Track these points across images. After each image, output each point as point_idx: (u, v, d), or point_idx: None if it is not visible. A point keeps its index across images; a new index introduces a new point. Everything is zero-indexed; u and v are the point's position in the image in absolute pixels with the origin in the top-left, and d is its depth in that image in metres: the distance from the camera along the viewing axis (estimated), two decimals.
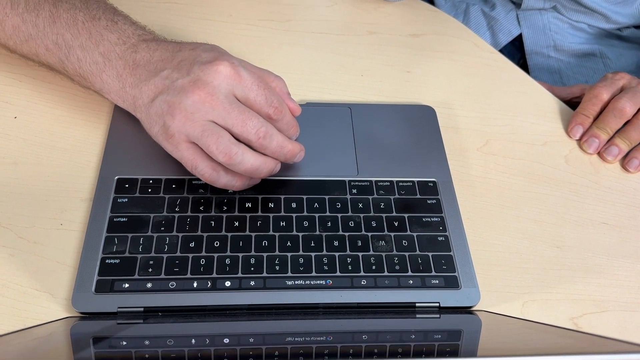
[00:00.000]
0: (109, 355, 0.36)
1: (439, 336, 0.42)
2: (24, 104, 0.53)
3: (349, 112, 0.56)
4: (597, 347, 0.26)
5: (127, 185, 0.48)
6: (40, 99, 0.54)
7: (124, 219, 0.46)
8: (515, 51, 0.83)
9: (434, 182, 0.51)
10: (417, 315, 0.43)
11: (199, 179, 0.48)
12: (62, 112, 0.53)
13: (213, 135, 0.42)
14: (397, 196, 0.50)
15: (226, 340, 0.39)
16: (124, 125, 0.51)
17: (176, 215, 0.46)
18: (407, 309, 0.44)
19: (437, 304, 0.44)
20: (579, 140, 0.58)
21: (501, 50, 0.79)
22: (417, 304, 0.44)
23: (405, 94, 0.60)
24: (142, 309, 0.42)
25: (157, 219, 0.46)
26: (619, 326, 0.45)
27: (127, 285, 0.43)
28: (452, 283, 0.45)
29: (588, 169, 0.56)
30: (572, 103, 0.64)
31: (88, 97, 0.54)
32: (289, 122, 0.46)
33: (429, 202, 0.50)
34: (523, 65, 0.81)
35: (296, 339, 0.39)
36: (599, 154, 0.57)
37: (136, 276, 0.43)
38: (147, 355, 0.36)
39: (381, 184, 0.50)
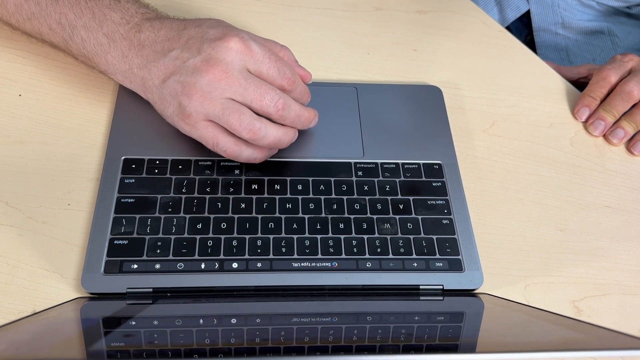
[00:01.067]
0: (119, 335, 0.37)
1: (442, 318, 0.43)
2: (28, 81, 0.53)
3: (355, 93, 0.56)
4: (596, 340, 0.27)
5: (133, 166, 0.48)
6: (45, 77, 0.53)
7: (132, 200, 0.46)
8: (523, 27, 0.82)
9: (439, 164, 0.51)
10: (421, 298, 0.44)
11: (205, 160, 0.49)
12: (67, 90, 0.53)
13: (235, 113, 0.42)
14: (402, 179, 0.50)
15: (234, 321, 0.40)
16: (130, 104, 0.51)
17: (183, 196, 0.47)
18: (411, 291, 0.45)
19: (441, 287, 0.45)
20: (585, 122, 0.58)
21: (508, 27, 0.79)
22: (420, 287, 0.45)
23: (411, 73, 0.60)
24: (151, 290, 0.42)
25: (164, 200, 0.46)
26: (619, 309, 0.46)
27: (135, 266, 0.43)
28: (455, 266, 0.46)
29: (593, 152, 0.56)
30: (579, 83, 0.64)
31: (92, 75, 0.53)
32: (302, 90, 0.47)
33: (434, 184, 0.50)
34: (530, 42, 0.80)
35: (302, 319, 0.40)
36: (604, 136, 0.57)
37: (144, 257, 0.43)
38: (156, 335, 0.37)
39: (387, 166, 0.50)
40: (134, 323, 0.39)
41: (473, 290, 0.45)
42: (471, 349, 0.27)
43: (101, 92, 0.53)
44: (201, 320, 0.40)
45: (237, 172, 0.48)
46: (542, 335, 0.29)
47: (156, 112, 0.46)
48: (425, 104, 0.56)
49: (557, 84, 0.61)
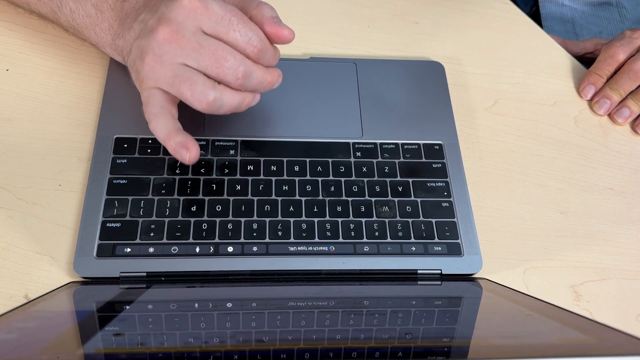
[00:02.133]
0: (114, 320, 0.37)
1: (439, 302, 0.42)
2: (16, 55, 0.51)
3: (354, 68, 0.54)
4: (599, 343, 0.26)
5: (125, 146, 0.46)
6: (33, 50, 0.51)
7: (124, 181, 0.45)
8: None
9: (440, 145, 0.50)
10: (419, 282, 0.44)
11: (198, 139, 0.47)
12: (56, 65, 0.51)
13: (186, 81, 0.37)
14: (402, 159, 0.49)
15: (229, 305, 0.40)
16: (121, 80, 0.49)
17: (177, 177, 0.45)
18: (409, 276, 0.44)
19: (439, 271, 0.44)
20: (590, 100, 0.56)
21: None
22: (419, 271, 0.44)
23: (413, 47, 0.58)
24: (144, 274, 0.42)
25: (158, 182, 0.45)
26: (618, 294, 0.46)
27: (129, 250, 0.42)
28: (454, 250, 0.45)
29: (597, 132, 0.54)
30: (585, 59, 0.62)
31: (83, 48, 0.51)
32: (270, 57, 0.41)
33: (434, 166, 0.49)
34: (535, 13, 0.78)
35: (298, 303, 0.39)
36: (609, 115, 0.55)
37: (138, 240, 0.43)
38: (150, 320, 0.37)
39: (386, 146, 0.49)
40: (127, 307, 0.38)
41: (471, 274, 0.45)
42: (463, 355, 0.26)
43: (92, 67, 0.51)
44: (196, 305, 0.40)
45: (232, 152, 0.47)
46: (540, 335, 0.28)
47: None
48: (427, 80, 0.54)
49: (562, 59, 0.59)
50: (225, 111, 0.40)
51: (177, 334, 0.33)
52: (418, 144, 0.50)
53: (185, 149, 0.40)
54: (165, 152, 0.46)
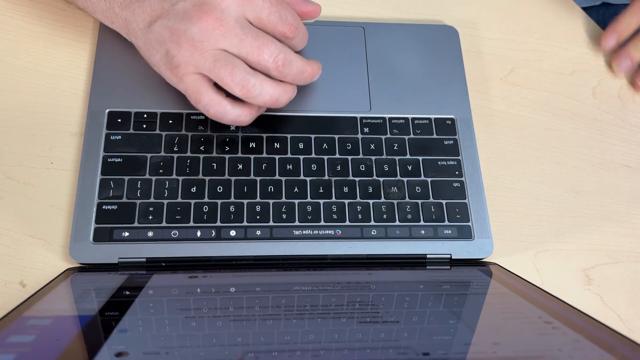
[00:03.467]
0: (115, 309, 0.35)
1: (447, 287, 0.41)
2: None
3: (362, 33, 0.50)
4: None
5: (119, 120, 0.44)
6: (16, 12, 0.47)
7: (119, 160, 0.42)
8: None
9: (452, 119, 0.47)
10: (428, 267, 0.42)
11: (197, 113, 0.45)
12: (42, 29, 0.47)
13: (227, 66, 0.37)
14: (412, 136, 0.46)
15: (232, 290, 0.38)
16: (112, 47, 0.46)
17: (175, 155, 0.43)
18: (418, 261, 0.43)
19: (449, 256, 0.43)
20: (611, 56, 0.52)
21: None
22: (428, 256, 0.43)
23: (425, 9, 0.54)
24: (144, 260, 0.40)
25: (155, 160, 0.43)
26: (630, 278, 0.45)
27: (127, 234, 0.40)
28: (465, 233, 0.43)
29: (615, 104, 0.52)
30: None
31: (70, 10, 0.48)
32: (303, 36, 0.42)
33: (445, 142, 0.46)
34: None
35: (303, 288, 0.38)
36: (630, 82, 0.52)
37: (136, 224, 0.41)
38: (151, 304, 0.35)
39: (395, 121, 0.47)
40: (127, 292, 0.37)
41: (482, 259, 0.43)
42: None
43: (80, 31, 0.48)
44: (198, 289, 0.38)
45: (232, 128, 0.45)
46: (547, 347, 0.27)
47: (141, 57, 0.41)
48: (440, 47, 0.51)
49: (583, 24, 0.55)
50: (264, 100, 0.39)
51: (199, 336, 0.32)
52: (429, 119, 0.47)
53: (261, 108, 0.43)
54: (162, 127, 0.44)
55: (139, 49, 0.41)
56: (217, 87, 0.40)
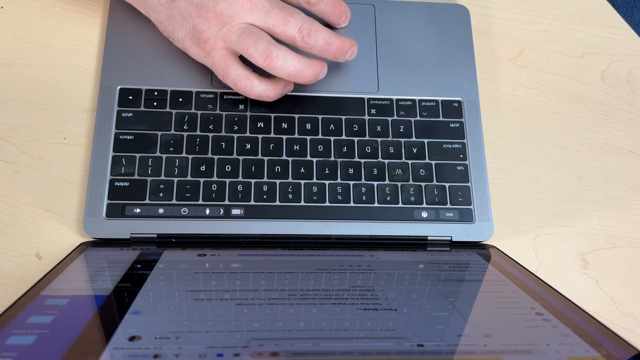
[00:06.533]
0: (128, 289, 0.37)
1: (444, 273, 0.42)
2: None
3: (372, 11, 0.50)
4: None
5: (130, 97, 0.44)
6: None
7: (130, 137, 0.43)
8: None
9: (459, 102, 0.48)
10: (428, 249, 0.44)
11: (207, 92, 0.45)
12: (53, 2, 0.47)
13: (251, 37, 0.38)
14: (418, 118, 0.47)
15: (236, 265, 0.40)
16: (124, 21, 0.46)
17: (185, 134, 0.44)
18: (419, 242, 0.44)
19: (449, 238, 0.44)
20: None
21: None
22: (429, 238, 0.44)
23: None
24: (155, 236, 0.42)
25: (165, 138, 0.44)
26: (626, 263, 0.46)
27: (138, 210, 0.42)
28: (466, 216, 0.44)
29: (624, 88, 0.52)
30: None
31: None
32: (332, 2, 0.43)
33: (451, 125, 0.47)
34: None
35: (306, 270, 0.40)
36: None
37: (147, 201, 0.42)
38: (162, 277, 0.37)
39: (402, 103, 0.47)
40: (139, 266, 0.39)
41: (482, 242, 0.45)
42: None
43: (92, 5, 0.48)
44: (207, 264, 0.40)
45: (241, 107, 0.45)
46: (534, 339, 0.28)
47: (153, 33, 0.42)
48: (450, 27, 0.51)
49: (596, 4, 0.55)
50: (288, 72, 0.40)
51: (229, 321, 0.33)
52: (436, 101, 0.47)
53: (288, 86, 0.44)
54: (172, 105, 0.45)
55: (158, 23, 0.41)
56: (245, 62, 0.41)
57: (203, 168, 0.43)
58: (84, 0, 0.48)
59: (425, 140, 0.46)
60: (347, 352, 0.26)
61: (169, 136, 0.44)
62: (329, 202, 0.44)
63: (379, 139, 0.46)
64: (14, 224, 0.42)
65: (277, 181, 0.44)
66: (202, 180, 0.43)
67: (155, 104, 0.44)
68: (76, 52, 0.46)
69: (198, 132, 0.44)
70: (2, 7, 0.47)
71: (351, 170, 0.45)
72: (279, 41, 0.40)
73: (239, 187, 0.43)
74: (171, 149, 0.43)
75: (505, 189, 0.47)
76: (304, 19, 0.39)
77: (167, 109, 0.44)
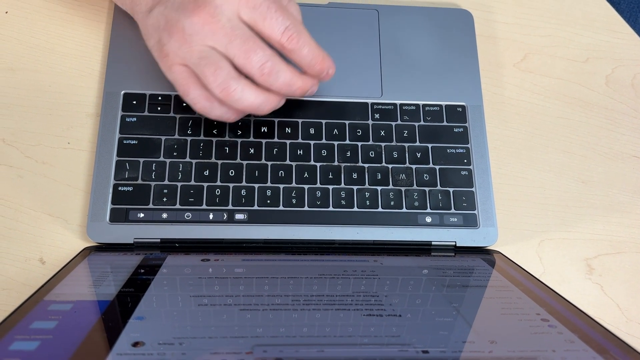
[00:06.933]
0: (131, 295, 0.37)
1: (449, 279, 0.42)
2: None
3: (376, 16, 0.50)
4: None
5: (134, 102, 0.44)
6: None
7: (134, 142, 0.43)
8: None
9: (463, 106, 0.47)
10: (432, 254, 0.43)
11: None
12: (58, 7, 0.48)
13: (211, 65, 0.37)
14: (422, 123, 0.47)
15: (240, 270, 0.40)
16: (127, 28, 0.46)
17: (188, 138, 0.44)
18: (423, 247, 0.44)
19: (454, 244, 0.44)
20: None
21: None
22: (433, 243, 0.44)
23: None
24: (158, 241, 0.42)
25: (169, 143, 0.44)
26: (632, 268, 0.46)
27: (142, 215, 0.42)
28: (470, 221, 0.44)
29: (628, 93, 0.52)
30: None
31: None
32: (309, 54, 0.39)
33: (455, 130, 0.47)
34: None
35: (310, 276, 0.40)
36: None
37: (151, 206, 0.42)
38: (165, 282, 0.37)
39: (406, 108, 0.47)
40: (142, 271, 0.39)
41: (486, 247, 0.44)
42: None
43: (96, 10, 0.48)
44: (210, 269, 0.40)
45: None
46: (538, 346, 0.28)
47: None
48: (454, 32, 0.51)
49: (600, 9, 0.55)
50: (244, 107, 0.38)
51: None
52: (440, 106, 0.47)
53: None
54: (176, 110, 0.45)
55: (140, 29, 0.41)
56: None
57: (207, 173, 0.43)
58: (89, 6, 0.48)
59: (429, 145, 0.46)
60: (351, 359, 0.26)
61: (173, 141, 0.44)
62: (333, 207, 0.43)
63: (383, 144, 0.46)
64: (18, 229, 0.42)
65: (281, 186, 0.44)
66: (205, 184, 0.43)
67: (159, 108, 0.44)
68: (80, 57, 0.47)
69: (202, 137, 0.44)
70: (6, 12, 0.47)
71: (355, 175, 0.44)
72: None
73: (243, 192, 0.43)
74: (175, 153, 0.43)
75: (509, 194, 0.47)
76: (266, 57, 0.37)
77: (171, 114, 0.44)
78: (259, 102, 0.39)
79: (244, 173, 0.44)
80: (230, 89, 0.37)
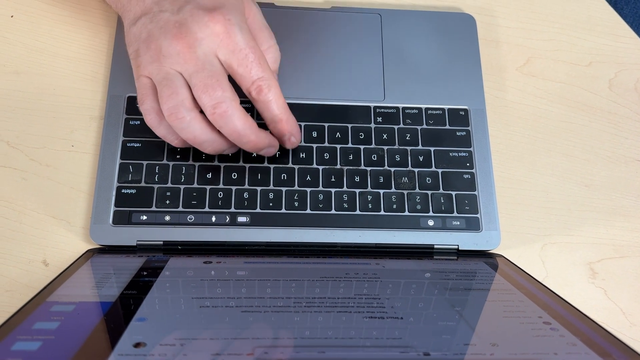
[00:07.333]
0: (133, 297, 0.37)
1: (452, 282, 0.42)
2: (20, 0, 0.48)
3: (378, 20, 0.50)
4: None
5: (138, 105, 0.44)
6: None
7: (138, 145, 0.44)
8: None
9: (465, 110, 0.48)
10: (435, 257, 0.43)
11: None
12: (63, 12, 0.48)
13: (169, 89, 0.37)
14: (424, 126, 0.47)
15: (242, 273, 0.40)
16: None
17: None
18: (425, 251, 0.44)
19: (456, 247, 0.44)
20: None
21: None
22: (435, 246, 0.44)
23: None
24: (161, 243, 0.42)
25: (172, 146, 0.44)
26: (635, 273, 0.46)
27: (145, 217, 0.42)
28: (473, 225, 0.44)
29: (631, 97, 0.51)
30: None
31: None
32: (273, 110, 0.39)
33: (458, 134, 0.47)
34: None
35: (312, 278, 0.40)
36: None
37: (154, 208, 0.42)
38: (167, 284, 0.37)
39: (409, 111, 0.47)
40: (145, 273, 0.39)
41: (489, 251, 0.44)
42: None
43: (100, 14, 0.48)
44: (212, 272, 0.40)
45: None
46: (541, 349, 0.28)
47: None
48: (456, 36, 0.51)
49: (603, 13, 0.55)
50: (187, 138, 0.38)
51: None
52: (442, 109, 0.47)
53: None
54: None
55: (124, 35, 0.42)
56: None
57: (209, 175, 0.43)
58: (93, 10, 0.48)
59: (432, 149, 0.46)
60: None
61: None
62: (335, 210, 0.43)
63: (385, 147, 0.46)
64: (21, 231, 0.42)
65: (283, 189, 0.44)
66: (208, 187, 0.43)
67: None
68: (84, 61, 0.47)
69: None
70: (12, 16, 0.47)
71: (357, 178, 0.45)
72: None
73: (245, 195, 0.43)
74: (178, 156, 0.44)
75: (512, 197, 0.47)
76: (224, 98, 0.37)
77: None
78: (204, 139, 0.38)
79: (247, 176, 0.44)
80: (178, 115, 0.37)
